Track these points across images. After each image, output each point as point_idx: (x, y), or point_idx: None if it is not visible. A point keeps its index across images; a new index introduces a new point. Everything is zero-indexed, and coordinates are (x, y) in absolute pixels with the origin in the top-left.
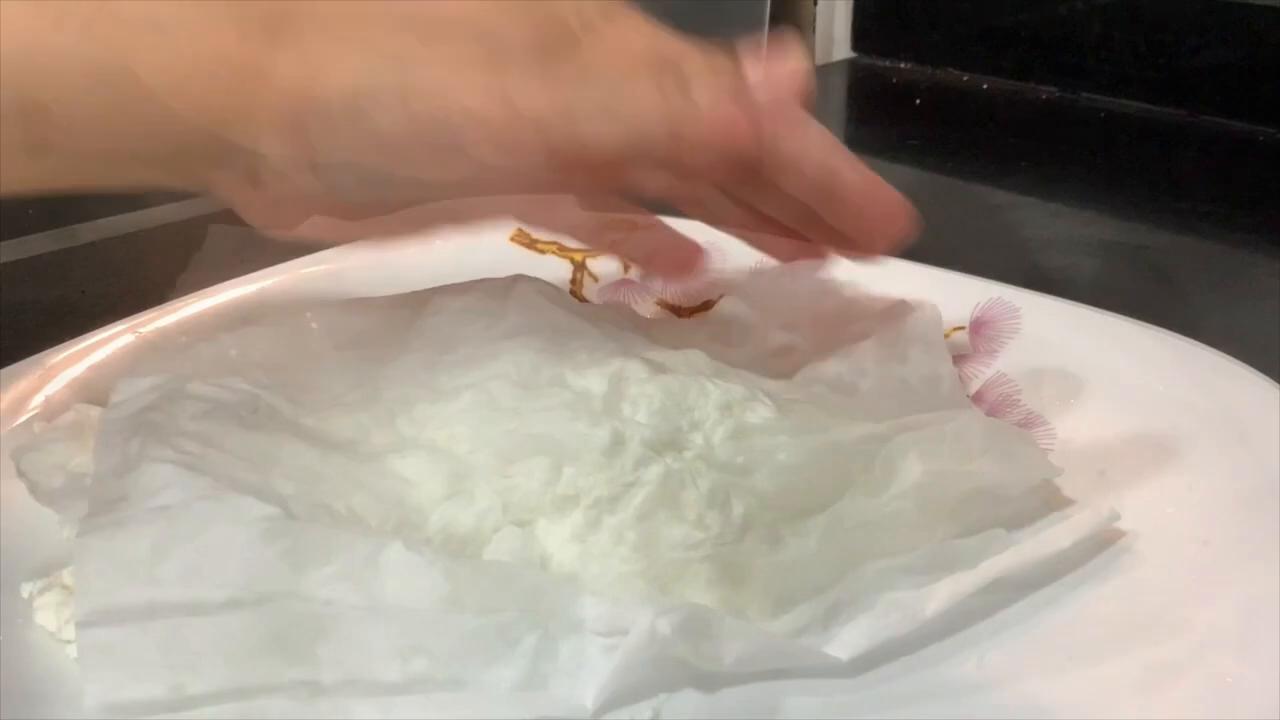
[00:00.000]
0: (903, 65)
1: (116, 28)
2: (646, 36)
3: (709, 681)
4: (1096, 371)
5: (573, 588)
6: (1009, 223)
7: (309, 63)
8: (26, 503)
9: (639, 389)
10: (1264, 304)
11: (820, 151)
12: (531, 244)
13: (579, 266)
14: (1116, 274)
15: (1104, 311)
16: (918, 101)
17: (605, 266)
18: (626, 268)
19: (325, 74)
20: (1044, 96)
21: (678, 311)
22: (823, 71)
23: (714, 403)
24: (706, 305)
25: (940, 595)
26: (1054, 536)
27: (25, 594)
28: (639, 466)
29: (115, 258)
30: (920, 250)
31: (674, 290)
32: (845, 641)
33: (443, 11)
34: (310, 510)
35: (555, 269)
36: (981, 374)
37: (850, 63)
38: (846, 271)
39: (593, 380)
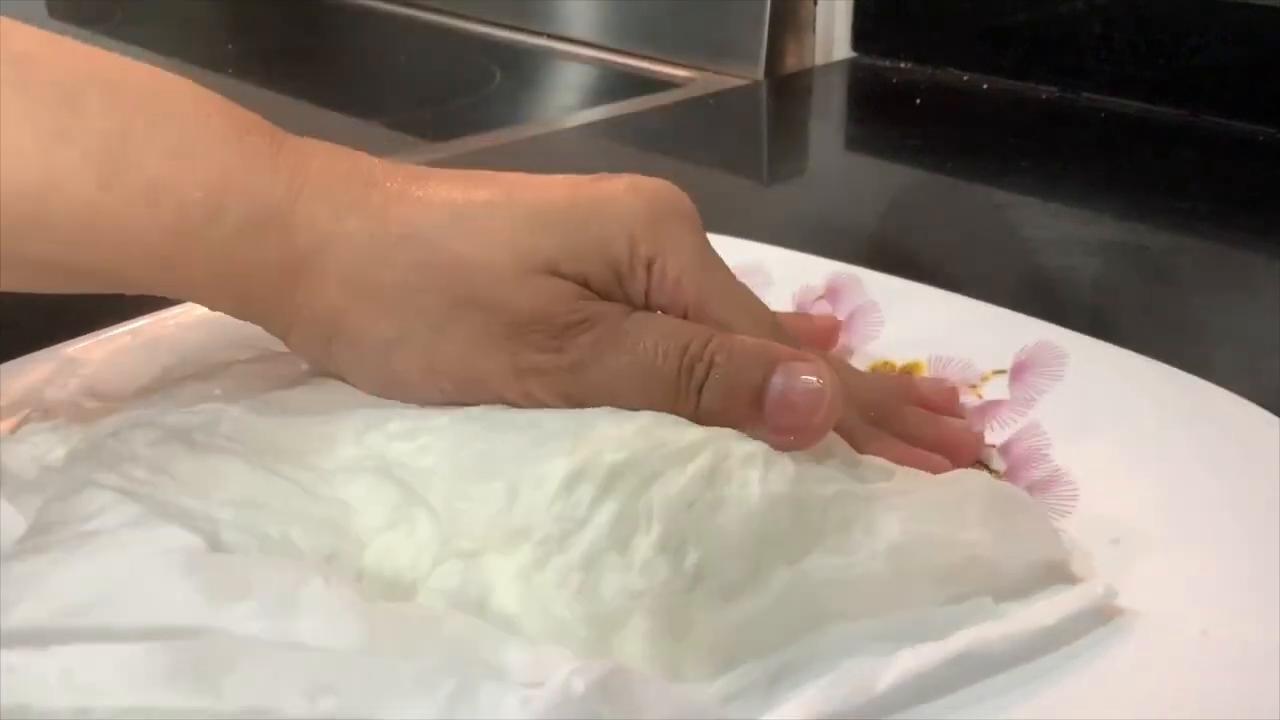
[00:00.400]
0: (903, 65)
1: (178, 213)
2: (678, 317)
3: None
4: (1136, 428)
5: (498, 635)
6: (1009, 223)
7: (347, 299)
8: None
9: (621, 416)
10: (1264, 304)
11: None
12: None
13: None
14: (1116, 274)
15: (1158, 363)
16: (918, 101)
17: None
18: None
19: (362, 317)
20: (1044, 96)
21: None
22: (823, 71)
23: (690, 438)
24: None
25: (896, 668)
26: (1037, 612)
27: None
28: (593, 504)
29: None
30: (920, 250)
31: None
32: (783, 712)
33: (473, 284)
34: (243, 538)
35: None
36: (1014, 422)
37: (850, 63)
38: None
39: (579, 408)
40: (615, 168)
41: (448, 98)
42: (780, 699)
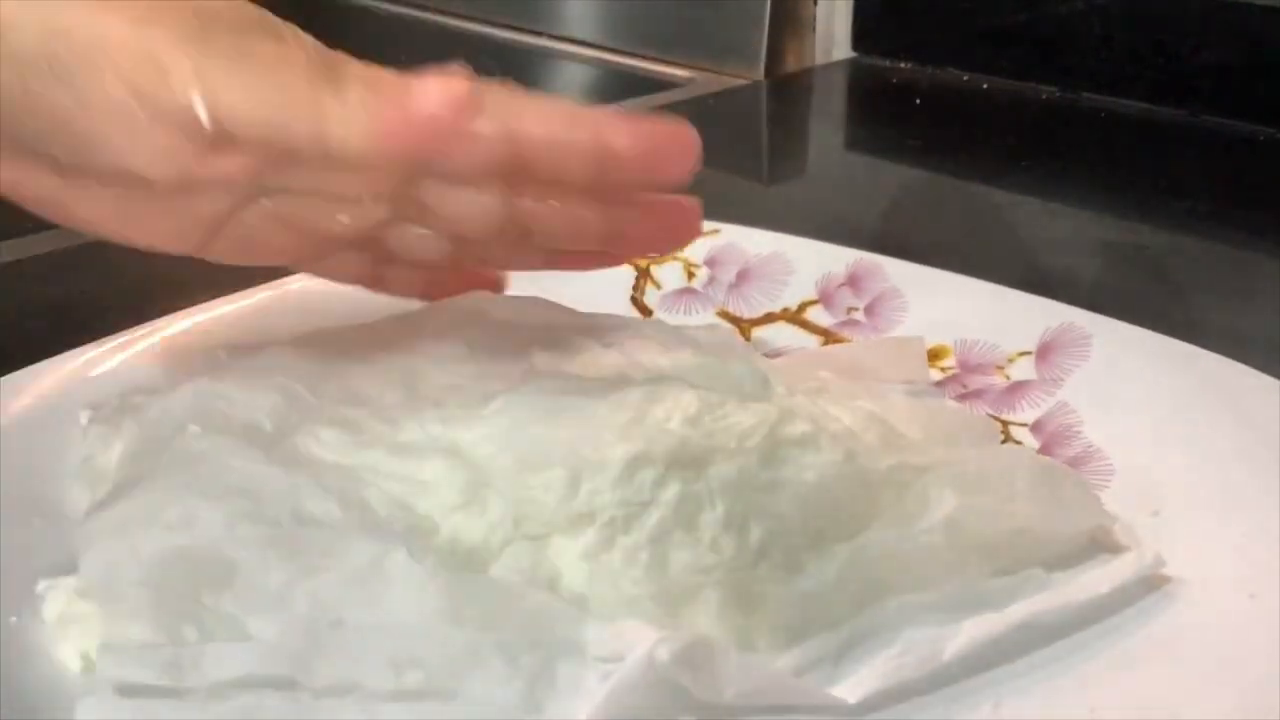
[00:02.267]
0: (903, 65)
1: None
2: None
3: (709, 713)
4: (1165, 405)
5: (576, 611)
6: (1009, 223)
7: None
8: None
9: (675, 399)
10: (1264, 304)
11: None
12: None
13: (643, 273)
14: (1116, 274)
15: (1181, 343)
16: (918, 101)
17: (669, 273)
18: (690, 275)
19: None
20: (1044, 96)
21: (738, 323)
22: (823, 71)
23: (747, 417)
24: (769, 318)
25: (961, 638)
26: (1090, 582)
27: (39, 590)
28: (657, 485)
29: (116, 258)
30: (921, 251)
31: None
32: (855, 681)
33: None
34: (326, 506)
35: (617, 274)
36: (1044, 402)
37: (850, 63)
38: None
39: (630, 392)
40: None
41: None
42: (849, 670)
